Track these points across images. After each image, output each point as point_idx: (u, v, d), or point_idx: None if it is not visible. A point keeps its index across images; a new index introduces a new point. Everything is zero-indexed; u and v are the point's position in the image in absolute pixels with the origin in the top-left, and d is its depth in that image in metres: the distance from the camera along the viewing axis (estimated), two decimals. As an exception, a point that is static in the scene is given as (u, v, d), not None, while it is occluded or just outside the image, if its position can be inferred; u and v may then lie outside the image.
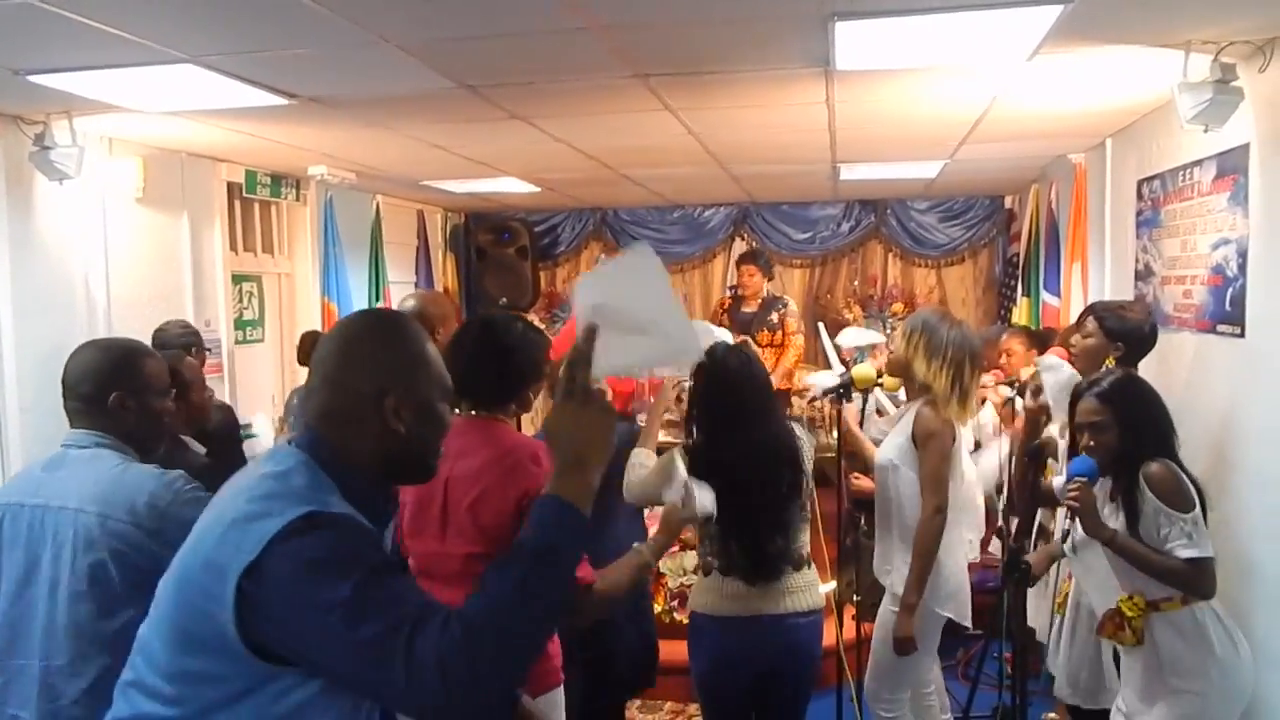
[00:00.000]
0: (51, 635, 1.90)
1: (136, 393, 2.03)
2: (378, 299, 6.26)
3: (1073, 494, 2.49)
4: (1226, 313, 3.21)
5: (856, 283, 7.44)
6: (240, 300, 5.39)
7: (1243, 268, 3.09)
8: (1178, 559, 2.41)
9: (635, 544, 2.17)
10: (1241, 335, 3.11)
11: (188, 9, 2.49)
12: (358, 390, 1.32)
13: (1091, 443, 2.55)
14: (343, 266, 5.87)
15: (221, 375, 4.93)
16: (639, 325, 1.33)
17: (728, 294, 6.56)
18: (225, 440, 3.54)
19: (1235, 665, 2.47)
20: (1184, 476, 2.49)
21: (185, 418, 2.48)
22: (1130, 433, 2.52)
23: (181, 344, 3.70)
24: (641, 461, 2.59)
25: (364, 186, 5.89)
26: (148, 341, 3.66)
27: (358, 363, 1.34)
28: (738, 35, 2.83)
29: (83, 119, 3.74)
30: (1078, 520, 2.53)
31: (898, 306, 7.22)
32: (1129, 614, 2.50)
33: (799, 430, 2.72)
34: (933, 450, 2.87)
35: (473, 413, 2.20)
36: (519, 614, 1.18)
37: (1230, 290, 3.18)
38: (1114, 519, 2.55)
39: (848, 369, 5.42)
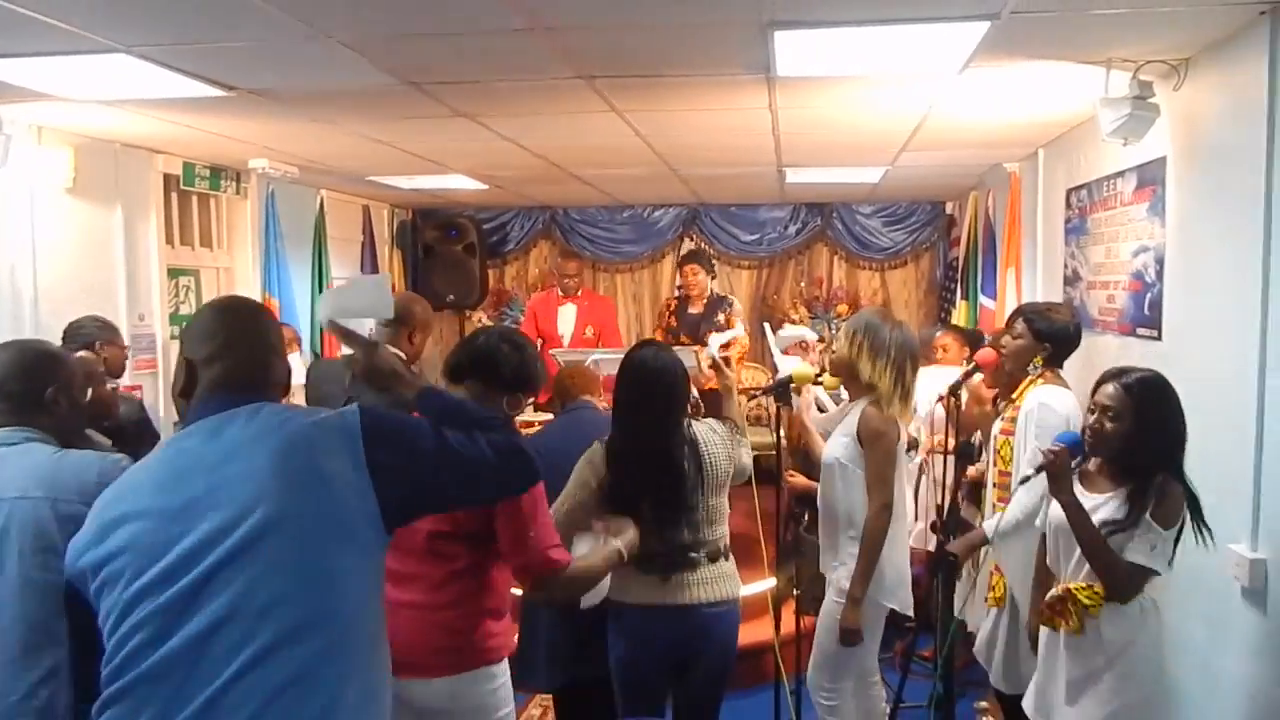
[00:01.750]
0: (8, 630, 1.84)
1: (66, 388, 2.05)
2: (321, 294, 6.18)
3: (1051, 453, 2.47)
4: (1145, 317, 3.36)
5: (803, 284, 7.58)
6: (177, 295, 5.30)
7: (1160, 274, 3.24)
8: (1122, 559, 2.40)
9: (615, 541, 2.34)
10: (1159, 338, 3.26)
11: (119, 2, 2.44)
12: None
13: (1100, 426, 2.49)
14: (284, 261, 5.78)
15: (157, 370, 4.86)
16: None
17: (675, 295, 6.63)
18: (135, 430, 3.57)
19: (1153, 656, 2.51)
20: (1185, 497, 2.46)
21: (91, 412, 2.43)
22: (1142, 432, 2.47)
23: (84, 340, 3.64)
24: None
25: (308, 181, 5.81)
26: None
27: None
28: (679, 40, 2.89)
29: (9, 106, 3.65)
30: (1043, 483, 2.52)
31: (842, 308, 7.38)
32: (1086, 602, 2.45)
33: (717, 426, 2.77)
34: (879, 449, 2.95)
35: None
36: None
37: (1149, 295, 3.33)
38: (1105, 509, 2.50)
39: (804, 350, 5.55)
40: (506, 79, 3.36)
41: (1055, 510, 2.58)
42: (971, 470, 3.93)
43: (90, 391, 2.31)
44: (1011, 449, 3.20)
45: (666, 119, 4.07)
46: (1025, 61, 3.05)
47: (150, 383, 4.79)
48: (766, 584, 4.27)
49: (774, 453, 3.54)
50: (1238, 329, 2.67)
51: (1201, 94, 2.96)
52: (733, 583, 2.74)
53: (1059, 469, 2.47)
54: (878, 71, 3.17)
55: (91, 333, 3.74)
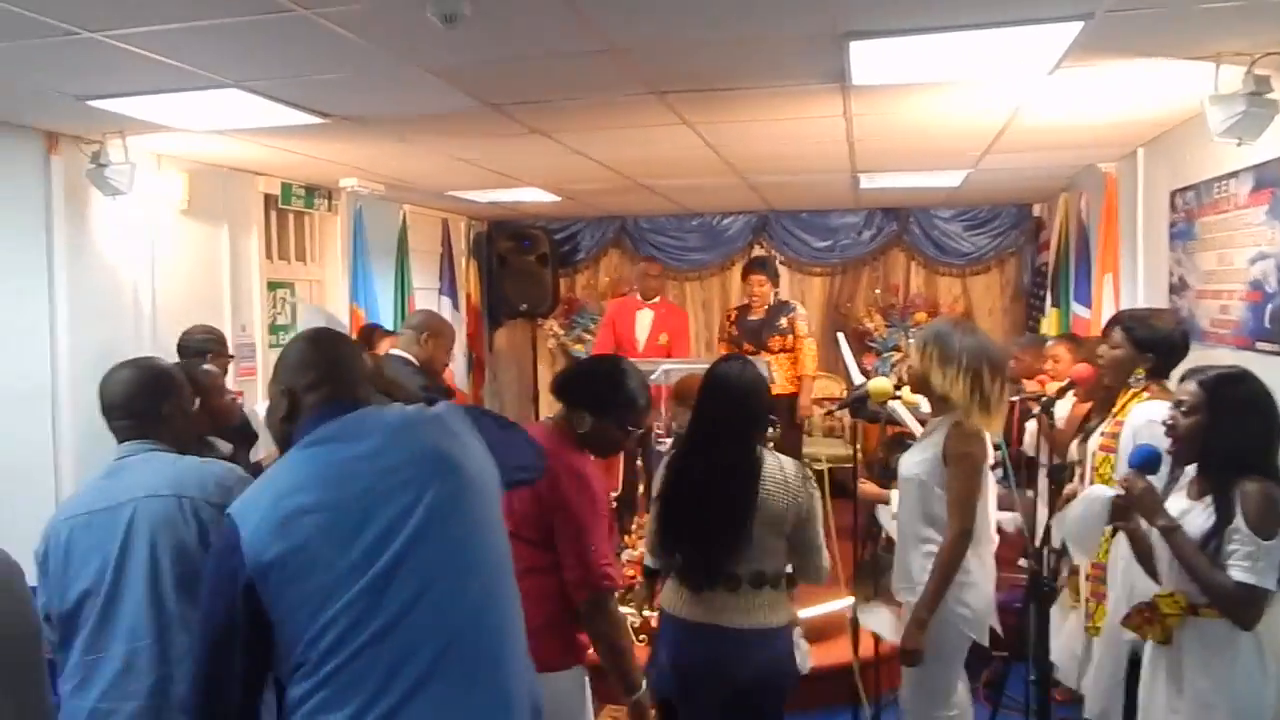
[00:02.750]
0: (137, 619, 1.97)
1: (179, 402, 2.22)
2: (403, 305, 6.37)
3: (1124, 484, 2.36)
4: (1266, 330, 3.10)
5: (878, 291, 7.33)
6: (275, 306, 5.55)
7: (1281, 284, 2.98)
8: (1229, 578, 2.21)
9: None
10: (1281, 353, 3.00)
11: (233, 39, 2.60)
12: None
13: (1174, 423, 2.36)
14: (370, 274, 6.01)
15: (256, 377, 5.06)
16: None
17: (737, 305, 6.49)
18: (244, 434, 3.75)
19: (1256, 696, 2.31)
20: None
21: (205, 420, 2.66)
22: (1216, 427, 2.30)
23: (199, 349, 3.93)
24: None
25: (392, 197, 6.00)
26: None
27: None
28: (752, 54, 2.78)
29: (135, 138, 3.91)
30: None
31: (920, 316, 7.09)
32: (1166, 611, 2.31)
33: (788, 466, 2.62)
34: (963, 470, 2.77)
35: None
36: None
37: (1270, 306, 3.07)
38: (1191, 515, 2.33)
39: (868, 378, 5.37)
40: (580, 97, 3.36)
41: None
42: (1066, 490, 3.69)
43: (208, 401, 2.54)
44: (1112, 466, 2.97)
45: (737, 129, 3.95)
46: (1123, 60, 2.83)
47: (250, 388, 5.01)
48: (843, 603, 4.11)
49: (849, 465, 3.39)
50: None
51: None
52: (778, 612, 2.60)
53: (1135, 498, 2.34)
54: (959, 78, 2.99)
55: (204, 344, 4.00)
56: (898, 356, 6.97)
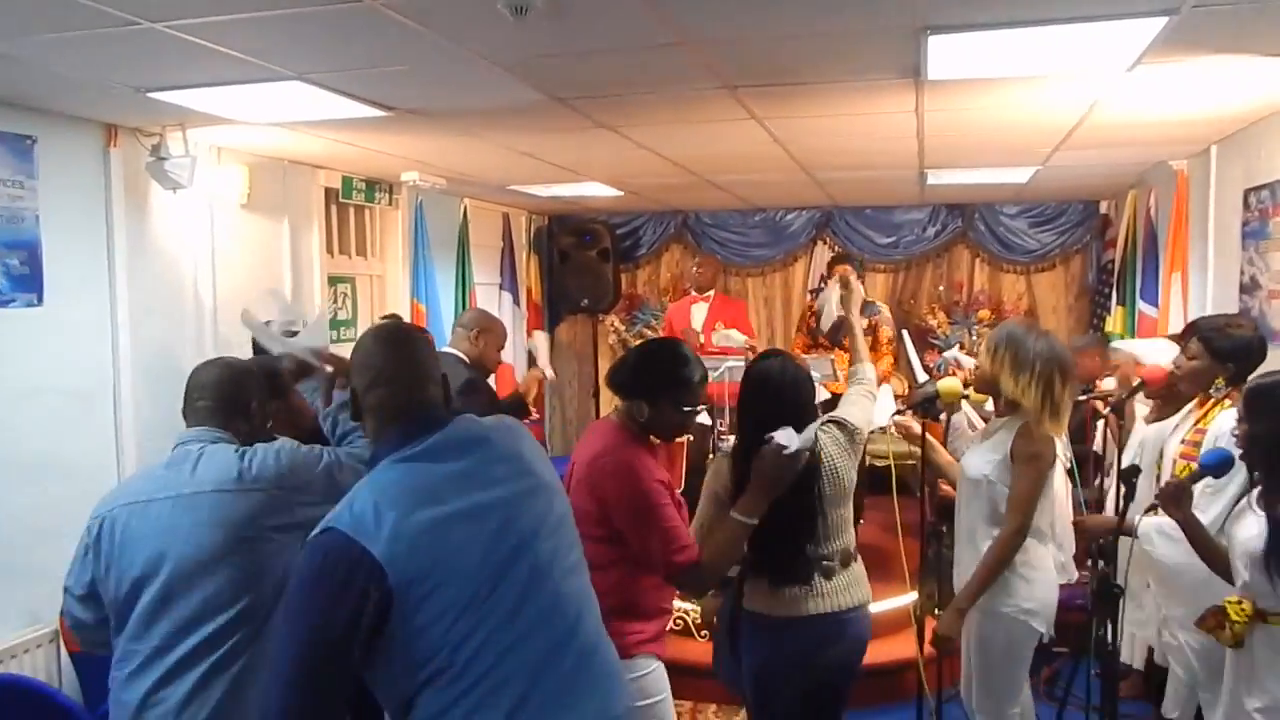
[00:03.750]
0: (190, 609, 2.00)
1: (263, 401, 2.30)
2: (464, 300, 6.41)
3: (1167, 489, 2.54)
4: (1340, 331, 3.07)
5: (941, 288, 7.30)
6: (335, 301, 5.58)
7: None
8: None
9: (732, 512, 2.39)
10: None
11: (296, 31, 2.59)
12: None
13: (1238, 431, 2.45)
14: (431, 268, 6.01)
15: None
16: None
17: (815, 299, 6.49)
18: (315, 436, 3.72)
19: None
20: None
21: (286, 419, 2.60)
22: (1255, 436, 2.38)
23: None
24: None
25: (453, 191, 6.04)
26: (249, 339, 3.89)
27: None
28: (827, 48, 2.82)
29: (195, 131, 3.93)
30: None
31: (984, 313, 7.06)
32: (1233, 616, 2.39)
33: (839, 435, 2.67)
34: (1030, 470, 2.81)
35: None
36: None
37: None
38: (1241, 519, 2.43)
39: (931, 376, 5.36)
40: (649, 91, 3.38)
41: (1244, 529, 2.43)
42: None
43: (288, 398, 2.54)
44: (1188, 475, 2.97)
45: (806, 125, 3.99)
46: (1204, 56, 2.83)
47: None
48: (907, 599, 4.14)
49: (914, 462, 3.41)
50: None
51: None
52: (861, 588, 2.67)
53: (1170, 497, 2.52)
54: (1037, 73, 3.01)
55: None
56: (952, 361, 6.93)
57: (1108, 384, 4.09)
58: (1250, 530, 2.36)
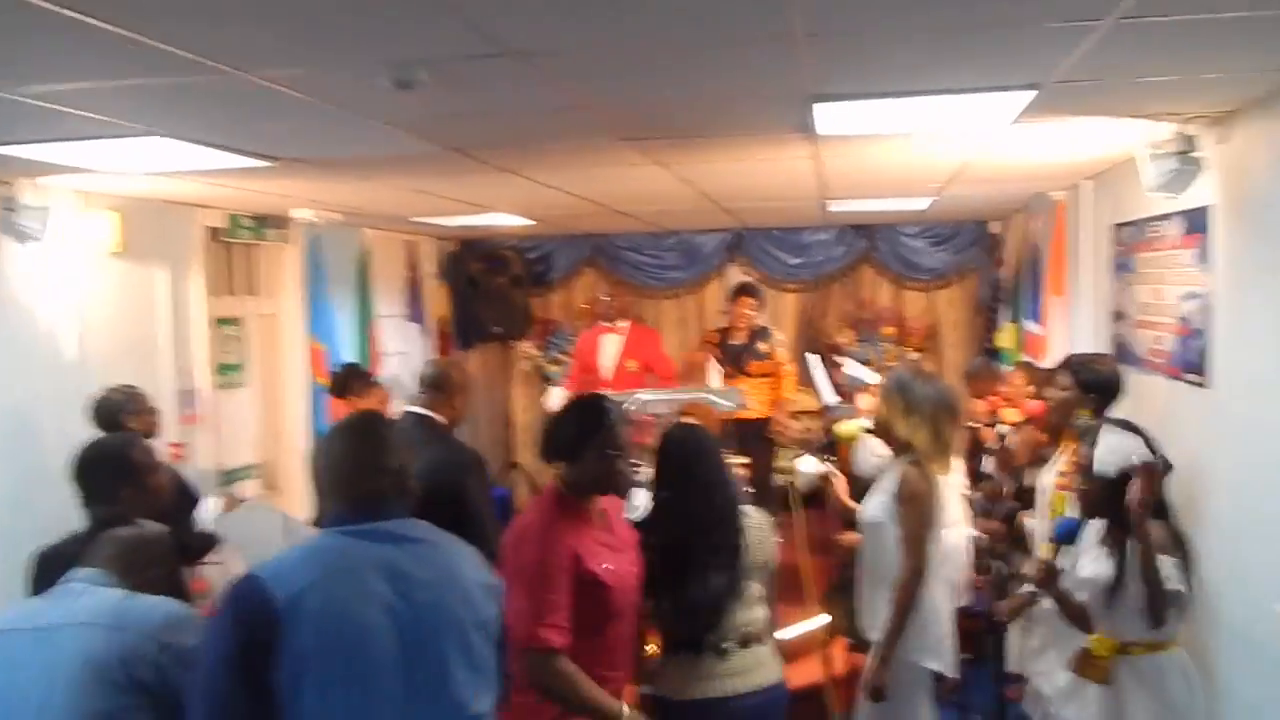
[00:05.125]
0: None
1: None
2: (365, 334, 6.18)
3: (1038, 575, 2.81)
4: (1193, 363, 3.35)
5: (849, 306, 7.56)
6: (222, 344, 5.23)
7: (1207, 322, 3.23)
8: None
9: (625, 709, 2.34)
10: (1206, 386, 3.25)
11: (163, 97, 2.49)
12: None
13: (1085, 487, 2.76)
14: (329, 304, 5.74)
15: (202, 424, 4.83)
16: None
17: (718, 327, 6.65)
18: (180, 504, 3.43)
19: (1187, 713, 2.62)
20: (1174, 535, 2.67)
21: (143, 504, 2.45)
22: (1113, 484, 2.68)
23: (113, 411, 3.60)
24: None
25: (351, 223, 5.83)
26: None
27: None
28: (723, 110, 2.95)
29: (54, 178, 3.70)
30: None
31: (889, 330, 7.35)
32: (1097, 652, 2.64)
33: (758, 515, 2.78)
34: (912, 511, 2.98)
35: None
36: None
37: (1196, 342, 3.32)
38: (1102, 562, 2.71)
39: (842, 395, 5.58)
40: (551, 143, 3.44)
41: (1083, 569, 2.74)
42: (1024, 521, 3.92)
43: (144, 481, 2.50)
44: (1064, 502, 3.22)
45: (709, 168, 4.14)
46: (1071, 118, 3.07)
47: (195, 438, 4.74)
48: (815, 623, 4.30)
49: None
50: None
51: (1248, 146, 2.95)
52: (774, 667, 2.70)
53: (1043, 582, 2.80)
54: (921, 131, 3.21)
55: (119, 404, 3.66)
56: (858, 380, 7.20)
57: (1007, 414, 4.36)
58: (1091, 569, 2.69)
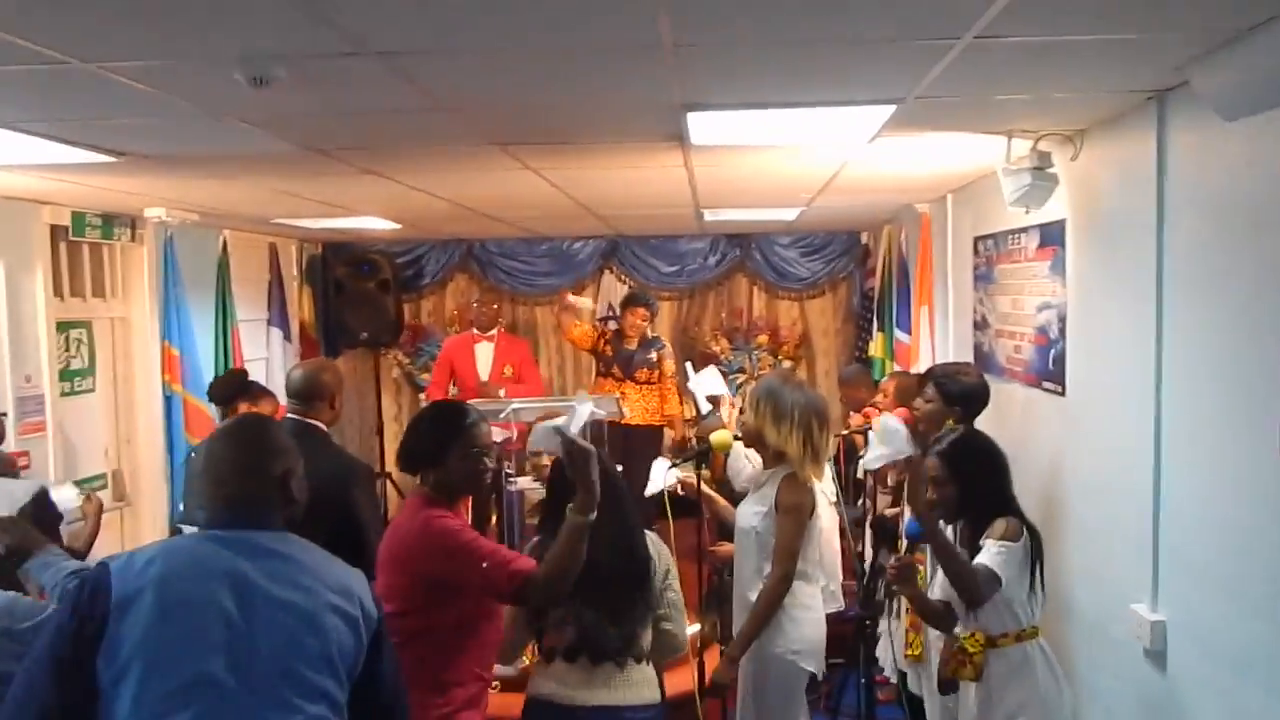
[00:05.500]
0: None
1: None
2: (225, 340, 5.87)
3: (891, 571, 2.81)
4: (1050, 371, 3.48)
5: (724, 315, 7.63)
6: (68, 349, 4.94)
7: (1063, 331, 3.36)
8: (977, 562, 2.68)
9: (569, 509, 2.38)
10: (1063, 394, 3.37)
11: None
12: None
13: (935, 495, 2.80)
14: (185, 308, 5.43)
15: (46, 433, 4.55)
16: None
17: (608, 326, 6.60)
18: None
19: (1057, 701, 2.72)
20: (1022, 527, 2.74)
21: None
22: (967, 487, 2.78)
23: None
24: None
25: (209, 223, 5.56)
26: None
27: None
28: (593, 116, 2.89)
29: None
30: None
31: (763, 339, 7.45)
32: (970, 650, 2.70)
33: (659, 541, 2.77)
34: (790, 521, 2.99)
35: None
36: None
37: (1053, 351, 3.45)
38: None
39: (714, 405, 5.60)
40: (416, 146, 3.32)
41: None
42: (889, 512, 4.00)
43: None
44: None
45: (582, 174, 4.06)
46: (932, 133, 3.13)
47: (39, 446, 4.46)
48: (690, 629, 4.28)
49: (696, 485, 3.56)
50: (1135, 389, 2.78)
51: (1096, 164, 3.09)
52: (654, 688, 2.69)
53: (900, 579, 2.80)
54: (789, 143, 3.22)
55: None
56: (742, 378, 7.29)
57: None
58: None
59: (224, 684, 1.63)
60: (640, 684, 2.61)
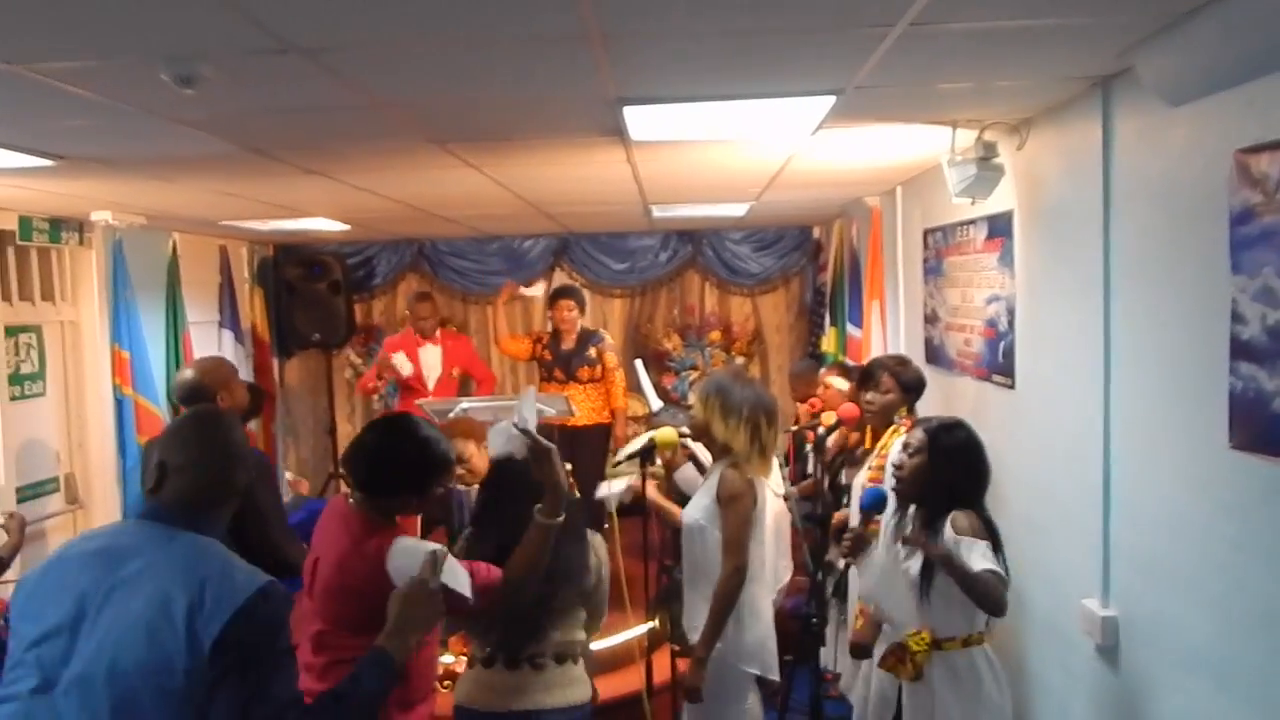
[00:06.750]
0: None
1: None
2: (176, 343, 5.80)
3: (845, 542, 2.81)
4: (1000, 364, 3.45)
5: (676, 311, 7.56)
6: (18, 353, 4.91)
7: (1012, 324, 3.33)
8: (983, 570, 2.54)
9: (535, 511, 2.36)
10: (1012, 387, 3.35)
11: None
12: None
13: (900, 464, 2.76)
14: (135, 311, 5.37)
15: None
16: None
17: (547, 329, 6.52)
18: None
19: (999, 708, 2.67)
20: (985, 523, 2.68)
21: None
22: (939, 470, 2.70)
23: None
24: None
25: (158, 226, 5.48)
26: None
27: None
28: (530, 112, 2.80)
29: None
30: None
31: (715, 335, 7.40)
32: (914, 649, 2.65)
33: (597, 539, 2.73)
34: (735, 512, 2.94)
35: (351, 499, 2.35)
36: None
37: (1002, 344, 3.42)
38: (914, 558, 2.69)
39: (668, 402, 5.52)
40: (354, 145, 3.23)
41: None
42: (836, 517, 3.96)
43: None
44: None
45: (525, 171, 3.96)
46: (876, 124, 3.08)
47: None
48: (635, 632, 4.21)
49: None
50: (1084, 382, 2.75)
51: (1042, 153, 3.05)
52: (581, 688, 2.66)
53: (854, 550, 2.82)
54: (729, 138, 3.15)
55: None
56: (694, 375, 7.24)
57: (827, 418, 4.40)
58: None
59: (52, 686, 1.66)
60: (564, 685, 2.58)
